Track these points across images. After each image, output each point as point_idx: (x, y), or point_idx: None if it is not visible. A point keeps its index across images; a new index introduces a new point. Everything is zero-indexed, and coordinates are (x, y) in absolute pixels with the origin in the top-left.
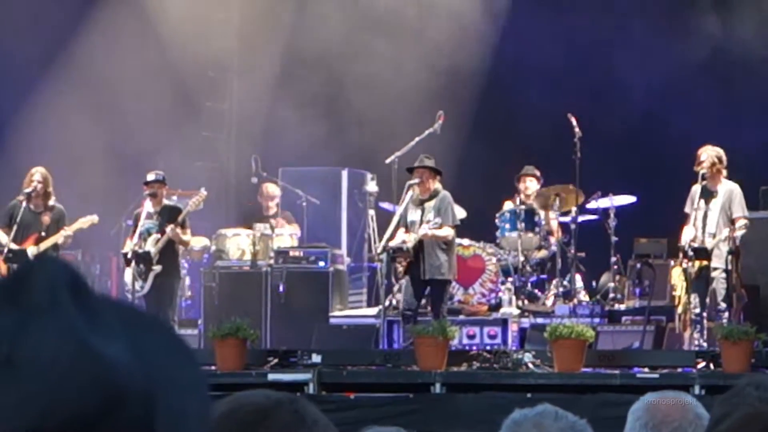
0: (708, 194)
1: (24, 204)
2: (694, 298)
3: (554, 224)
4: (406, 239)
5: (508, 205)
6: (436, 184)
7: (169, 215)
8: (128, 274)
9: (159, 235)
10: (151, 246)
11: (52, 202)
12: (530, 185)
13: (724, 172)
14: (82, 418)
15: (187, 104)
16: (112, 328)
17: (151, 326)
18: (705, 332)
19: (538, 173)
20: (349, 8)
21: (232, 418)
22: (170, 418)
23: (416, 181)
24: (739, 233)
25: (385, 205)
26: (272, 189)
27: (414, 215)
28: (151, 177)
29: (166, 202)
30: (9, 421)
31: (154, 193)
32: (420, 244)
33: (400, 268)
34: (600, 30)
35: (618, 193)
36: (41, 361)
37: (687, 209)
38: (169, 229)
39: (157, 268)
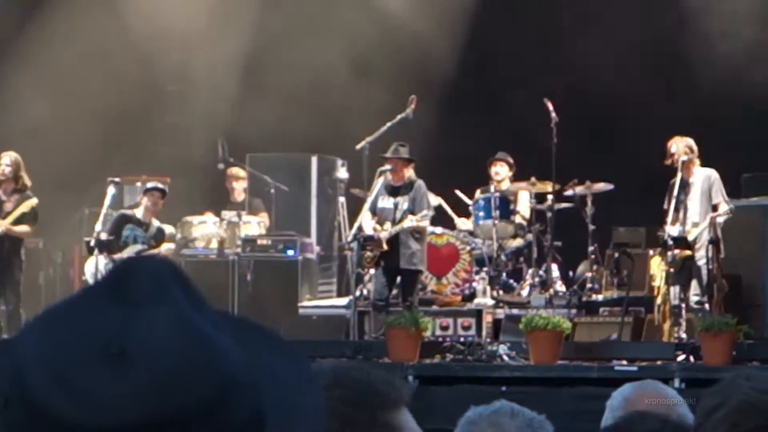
0: (685, 185)
1: None
2: (674, 289)
3: (527, 212)
4: (377, 228)
5: (477, 194)
6: (409, 172)
7: (157, 237)
8: (91, 263)
9: (145, 246)
10: (131, 254)
11: (25, 187)
12: (501, 171)
13: (698, 162)
14: (193, 407)
15: (150, 88)
16: (218, 321)
17: (252, 325)
18: (684, 323)
19: (510, 159)
20: None
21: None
22: (281, 413)
23: (388, 168)
24: (722, 219)
25: (357, 191)
26: (236, 171)
27: (386, 203)
28: (151, 185)
29: (155, 222)
30: (123, 413)
31: (154, 203)
32: (395, 235)
33: (370, 256)
34: (575, 12)
35: (596, 180)
36: (154, 351)
37: (666, 205)
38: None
39: None
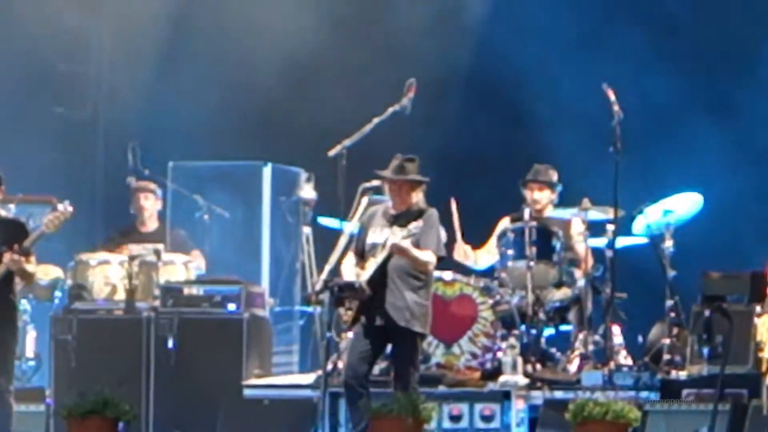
0: None
1: None
2: None
3: (581, 248)
4: (360, 273)
5: (504, 223)
6: (418, 196)
7: (5, 233)
8: None
9: None
10: None
11: None
12: (541, 197)
13: None
14: None
15: (36, 67)
16: None
17: None
18: None
19: (554, 177)
20: None
21: None
22: None
23: (373, 185)
24: None
25: (328, 221)
26: (146, 184)
27: (380, 237)
28: None
29: (0, 212)
30: None
31: None
32: (381, 278)
33: (346, 316)
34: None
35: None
36: None
37: None
38: (6, 257)
39: None
